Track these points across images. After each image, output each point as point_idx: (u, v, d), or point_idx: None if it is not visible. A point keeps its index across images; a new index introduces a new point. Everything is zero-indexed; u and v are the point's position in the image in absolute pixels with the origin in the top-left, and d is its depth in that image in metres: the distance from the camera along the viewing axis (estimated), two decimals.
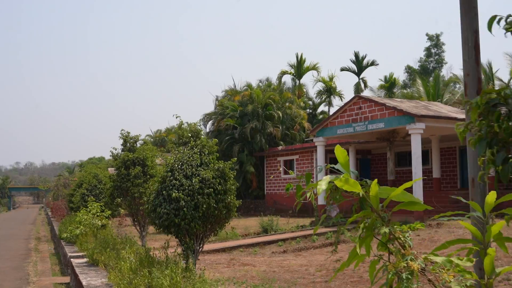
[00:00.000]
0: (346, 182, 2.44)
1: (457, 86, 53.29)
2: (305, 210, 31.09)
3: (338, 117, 23.35)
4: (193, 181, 9.25)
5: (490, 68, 43.16)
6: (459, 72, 74.08)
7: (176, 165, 9.49)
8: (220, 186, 9.49)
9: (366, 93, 48.20)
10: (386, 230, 2.31)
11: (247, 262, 14.98)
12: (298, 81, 42.49)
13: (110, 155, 15.36)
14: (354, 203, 3.09)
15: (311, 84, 68.71)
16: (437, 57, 65.10)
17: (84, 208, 17.21)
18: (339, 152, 2.62)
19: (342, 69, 45.38)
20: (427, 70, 62.60)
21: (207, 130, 37.99)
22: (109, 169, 32.00)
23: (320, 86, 43.98)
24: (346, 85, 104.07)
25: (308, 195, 3.03)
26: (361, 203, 2.54)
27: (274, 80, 42.67)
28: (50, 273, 16.42)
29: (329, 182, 2.49)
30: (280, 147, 34.03)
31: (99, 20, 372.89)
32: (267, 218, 22.74)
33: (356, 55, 45.20)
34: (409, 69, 63.10)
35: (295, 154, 32.81)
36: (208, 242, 19.43)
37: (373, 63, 45.28)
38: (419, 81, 47.55)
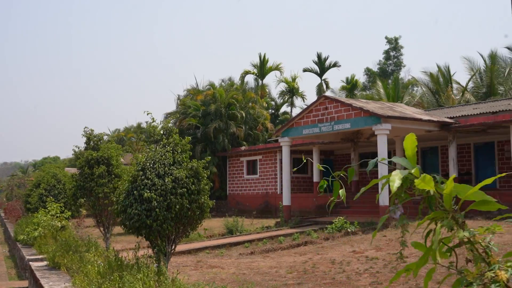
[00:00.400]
0: (423, 179, 2.12)
1: (415, 88, 54.13)
2: (268, 210, 30.90)
3: (304, 117, 23.19)
4: (166, 181, 8.84)
5: (448, 71, 43.98)
6: (418, 75, 75.14)
7: (147, 164, 9.06)
8: (193, 186, 9.12)
9: (327, 94, 48.43)
10: (466, 233, 2.00)
11: (214, 264, 14.60)
12: (261, 81, 42.27)
13: (73, 154, 14.73)
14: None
15: (273, 84, 68.80)
16: (395, 60, 66.02)
17: (42, 209, 16.52)
18: (409, 142, 2.32)
19: (304, 70, 45.45)
20: (386, 73, 63.44)
21: None
22: (66, 168, 31.02)
23: (282, 86, 43.94)
24: (308, 86, 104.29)
25: (340, 193, 2.73)
26: (430, 203, 2.23)
27: (236, 80, 42.36)
28: (7, 277, 15.67)
29: (403, 178, 2.18)
30: (243, 147, 33.72)
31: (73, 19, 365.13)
32: (232, 219, 22.38)
33: (319, 56, 45.32)
34: (368, 72, 63.85)
35: (259, 154, 32.56)
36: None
37: (335, 65, 45.49)
38: (379, 83, 48.09)
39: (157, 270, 8.45)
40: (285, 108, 45.64)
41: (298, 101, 43.70)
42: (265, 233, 20.33)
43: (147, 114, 10.06)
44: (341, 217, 19.68)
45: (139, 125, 70.56)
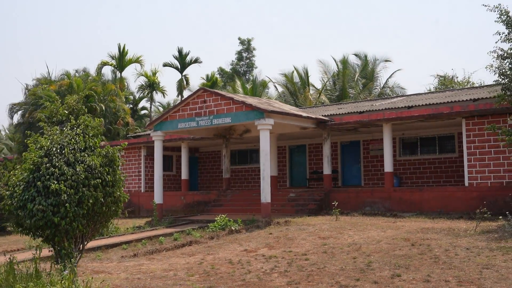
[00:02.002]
0: None
1: (266, 90, 55.23)
2: (132, 210, 29.01)
3: (180, 110, 21.95)
4: (78, 170, 7.27)
5: (306, 73, 45.38)
6: (273, 76, 76.73)
7: (53, 149, 7.39)
8: (109, 176, 7.65)
9: (187, 92, 47.35)
10: None
11: (98, 269, 12.86)
12: (119, 74, 39.88)
13: None
14: None
15: (132, 78, 65.43)
16: (248, 61, 66.74)
17: None
18: None
19: (164, 65, 43.87)
20: (238, 74, 63.99)
21: (15, 121, 33.65)
22: None
23: (142, 80, 41.93)
24: (169, 81, 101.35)
25: None
26: None
27: (92, 71, 39.57)
28: None
29: None
30: (102, 143, 31.34)
31: None
32: None
33: (180, 51, 44.06)
34: (221, 71, 63.90)
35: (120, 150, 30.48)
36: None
37: (196, 61, 44.55)
38: (238, 82, 48.19)
39: (67, 278, 6.91)
40: (144, 103, 43.66)
41: (158, 96, 42.00)
42: (141, 234, 18.79)
43: (44, 87, 8.28)
44: (223, 215, 18.80)
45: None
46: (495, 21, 15.84)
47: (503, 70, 16.28)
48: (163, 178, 26.39)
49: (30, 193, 7.12)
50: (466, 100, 21.97)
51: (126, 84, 40.28)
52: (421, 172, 24.37)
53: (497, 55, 16.40)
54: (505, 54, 16.33)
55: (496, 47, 16.46)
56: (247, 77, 62.85)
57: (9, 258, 7.26)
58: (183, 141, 27.43)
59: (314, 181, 27.28)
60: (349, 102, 33.19)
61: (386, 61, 46.85)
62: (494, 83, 24.47)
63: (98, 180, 7.38)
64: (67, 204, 6.98)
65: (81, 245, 7.84)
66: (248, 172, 30.36)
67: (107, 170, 7.59)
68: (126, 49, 39.36)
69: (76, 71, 37.63)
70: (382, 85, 46.80)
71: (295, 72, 45.87)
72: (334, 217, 19.42)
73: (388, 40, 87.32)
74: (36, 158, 7.29)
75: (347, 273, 11.01)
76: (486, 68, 16.42)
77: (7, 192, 7.62)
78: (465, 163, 19.23)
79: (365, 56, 46.95)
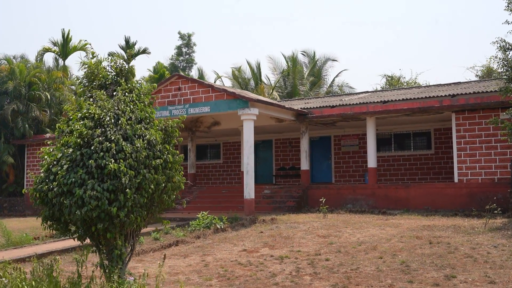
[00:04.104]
0: None
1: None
2: None
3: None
4: (138, 146, 5.61)
5: (259, 68, 44.24)
6: (220, 72, 75.44)
7: (106, 119, 5.67)
8: (169, 156, 6.02)
9: (182, 73, 44.92)
10: None
11: (87, 274, 11.03)
12: (62, 62, 36.95)
13: None
14: None
15: (76, 66, 61.30)
16: (187, 56, 64.81)
17: None
18: None
19: (110, 54, 41.24)
20: (177, 69, 61.95)
21: None
22: None
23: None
24: None
25: None
26: None
27: (31, 57, 36.50)
28: None
29: None
30: (48, 135, 28.67)
31: None
32: None
33: (127, 40, 41.58)
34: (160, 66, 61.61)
35: None
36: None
37: (144, 51, 42.14)
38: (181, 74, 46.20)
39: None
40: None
41: None
42: None
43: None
44: (204, 212, 17.20)
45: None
46: (504, 9, 15.22)
47: (506, 62, 15.70)
48: None
49: (79, 175, 5.32)
50: (444, 95, 21.46)
51: (69, 73, 37.42)
52: (395, 168, 23.73)
53: (500, 46, 15.80)
54: (507, 45, 15.78)
55: (498, 37, 15.91)
56: (186, 72, 60.95)
57: (50, 265, 5.50)
58: None
59: (281, 178, 26.09)
60: (313, 97, 32.32)
61: (333, 60, 46.52)
62: (465, 80, 24.15)
63: (159, 160, 5.73)
64: (127, 190, 5.30)
65: (132, 244, 6.15)
66: (208, 168, 28.74)
67: (167, 148, 5.95)
68: (70, 35, 36.59)
69: (14, 57, 34.49)
70: (329, 84, 46.40)
71: (246, 67, 44.64)
72: (321, 215, 18.30)
73: (333, 39, 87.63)
74: (85, 130, 5.51)
75: (390, 274, 9.83)
76: (490, 58, 15.80)
77: (41, 174, 5.82)
78: (455, 159, 18.61)
79: (314, 54, 46.44)
